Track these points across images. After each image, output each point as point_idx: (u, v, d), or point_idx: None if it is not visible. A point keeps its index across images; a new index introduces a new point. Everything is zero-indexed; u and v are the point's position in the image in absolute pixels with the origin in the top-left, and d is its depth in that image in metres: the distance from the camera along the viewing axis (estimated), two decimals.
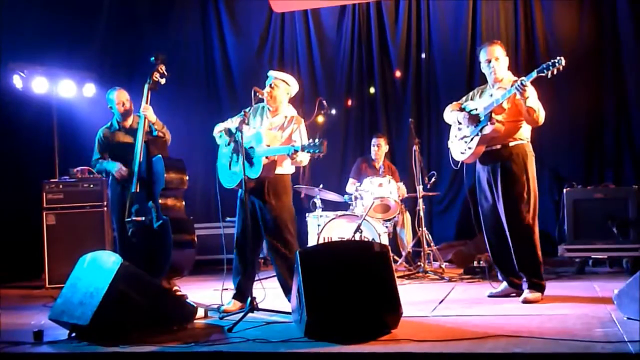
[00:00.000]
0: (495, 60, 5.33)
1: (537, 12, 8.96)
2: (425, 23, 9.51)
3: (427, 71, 9.56)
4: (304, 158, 5.35)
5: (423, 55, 9.53)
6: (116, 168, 6.35)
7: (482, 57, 5.43)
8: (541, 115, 5.18)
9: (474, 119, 5.38)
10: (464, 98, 5.70)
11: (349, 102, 9.86)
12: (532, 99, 5.11)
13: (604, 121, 8.80)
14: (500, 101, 5.15)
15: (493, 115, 5.21)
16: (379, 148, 8.39)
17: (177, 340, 4.33)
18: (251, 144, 5.30)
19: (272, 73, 5.65)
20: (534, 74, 4.95)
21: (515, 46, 9.02)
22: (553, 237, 8.01)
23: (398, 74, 9.65)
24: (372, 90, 9.81)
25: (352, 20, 9.83)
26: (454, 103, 5.72)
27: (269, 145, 5.25)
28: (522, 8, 9.05)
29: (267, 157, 5.24)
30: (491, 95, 5.29)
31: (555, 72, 4.87)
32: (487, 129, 5.23)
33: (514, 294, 5.49)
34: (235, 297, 5.53)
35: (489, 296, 5.60)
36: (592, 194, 7.21)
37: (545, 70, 4.89)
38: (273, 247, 5.49)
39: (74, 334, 4.57)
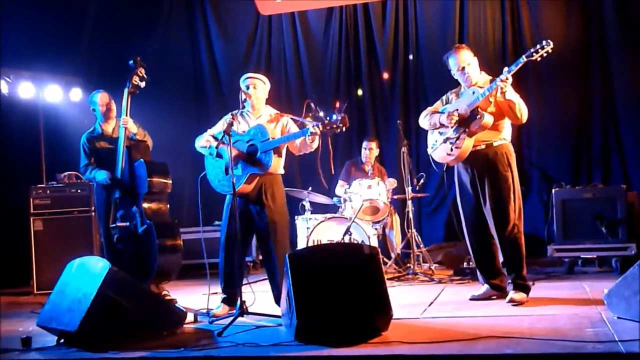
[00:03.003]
0: (467, 65, 5.28)
1: (524, 12, 8.96)
2: (412, 24, 9.50)
3: (415, 72, 9.55)
4: (317, 140, 5.31)
5: (410, 57, 9.52)
6: (104, 177, 6.29)
7: (453, 65, 5.35)
8: (523, 109, 5.13)
9: (460, 116, 5.27)
10: (438, 103, 5.65)
11: (337, 104, 9.83)
12: (511, 92, 5.03)
13: (592, 121, 8.81)
14: (486, 94, 5.05)
15: (479, 109, 5.14)
16: (370, 151, 8.36)
17: (167, 346, 4.32)
18: (251, 141, 5.28)
19: (247, 75, 5.64)
20: (522, 60, 4.90)
21: (503, 46, 9.03)
22: (542, 237, 8.04)
23: (386, 75, 9.64)
24: (359, 92, 9.80)
25: (340, 23, 9.81)
26: (429, 108, 5.68)
27: (274, 138, 5.25)
28: (509, 8, 9.05)
29: (277, 147, 5.24)
30: (473, 92, 5.20)
31: (544, 54, 4.84)
32: (476, 124, 5.15)
33: (494, 297, 5.45)
34: (224, 301, 5.50)
35: (471, 299, 5.52)
36: (581, 193, 7.23)
37: (533, 54, 4.85)
38: (267, 251, 5.48)
39: (62, 340, 4.54)
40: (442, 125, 5.45)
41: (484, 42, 9.01)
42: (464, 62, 5.28)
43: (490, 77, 5.31)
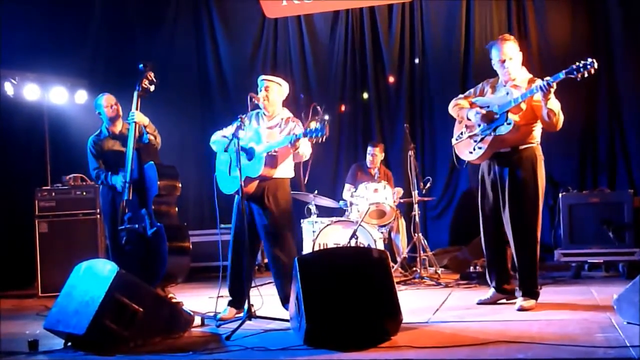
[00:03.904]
0: (509, 60, 5.08)
1: (529, 16, 8.94)
2: (418, 28, 9.48)
3: (421, 76, 9.53)
4: (306, 149, 5.32)
5: (417, 60, 9.49)
6: (121, 181, 6.25)
7: (495, 56, 5.15)
8: (561, 119, 4.95)
9: (488, 117, 5.13)
10: (472, 91, 5.46)
11: (343, 108, 9.83)
12: (554, 100, 4.86)
13: (597, 125, 8.78)
14: (519, 101, 4.90)
15: (510, 115, 4.99)
16: (375, 157, 8.32)
17: (175, 349, 4.30)
18: (251, 144, 5.27)
19: (263, 77, 5.64)
20: (562, 75, 4.66)
21: None
22: (548, 241, 8.01)
23: (391, 79, 9.62)
24: (365, 95, 9.79)
25: (346, 26, 9.80)
26: (462, 96, 5.48)
27: (268, 142, 5.22)
28: (515, 12, 9.04)
29: (267, 153, 5.21)
30: (507, 93, 5.02)
31: (586, 74, 4.58)
32: (503, 129, 4.99)
33: (502, 300, 5.42)
34: (230, 304, 5.48)
35: (478, 303, 5.48)
36: (588, 198, 7.21)
37: (575, 72, 4.60)
38: (271, 254, 5.47)
39: (69, 344, 4.52)
40: (469, 120, 5.32)
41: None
42: (506, 55, 5.09)
43: (530, 76, 5.16)
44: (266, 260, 7.60)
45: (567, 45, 8.76)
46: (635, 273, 4.50)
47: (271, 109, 5.57)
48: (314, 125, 4.96)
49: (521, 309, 5.08)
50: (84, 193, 7.72)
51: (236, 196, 5.44)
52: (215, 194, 5.46)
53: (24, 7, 8.49)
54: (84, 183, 7.79)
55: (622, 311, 4.35)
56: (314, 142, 5.01)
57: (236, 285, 5.44)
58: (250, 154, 5.30)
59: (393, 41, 9.58)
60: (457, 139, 5.51)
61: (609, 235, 6.91)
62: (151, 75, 6.14)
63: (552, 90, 4.74)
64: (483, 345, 3.96)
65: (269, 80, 5.57)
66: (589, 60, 4.56)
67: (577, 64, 4.60)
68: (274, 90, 5.56)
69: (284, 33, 10.09)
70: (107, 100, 6.50)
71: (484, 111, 5.15)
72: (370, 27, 9.71)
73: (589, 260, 7.13)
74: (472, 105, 5.35)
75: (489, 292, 5.51)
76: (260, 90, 5.54)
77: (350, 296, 4.27)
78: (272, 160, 5.29)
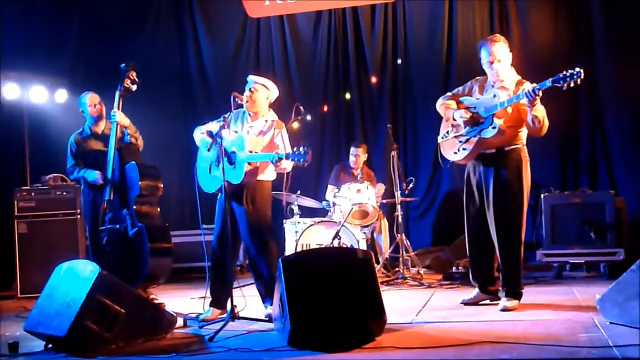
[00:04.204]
0: (497, 62, 5.07)
1: (512, 16, 8.96)
2: (401, 29, 9.49)
3: (403, 76, 9.53)
4: (287, 165, 5.32)
5: (399, 61, 9.51)
6: (95, 178, 6.22)
7: (484, 57, 5.13)
8: (546, 124, 4.95)
9: (472, 121, 5.14)
10: (460, 89, 5.45)
11: (325, 108, 9.81)
12: (539, 106, 4.86)
13: (578, 126, 8.82)
14: (505, 105, 4.91)
15: (495, 119, 5.00)
16: (357, 158, 8.31)
17: (157, 351, 4.27)
18: (233, 148, 5.23)
19: (251, 77, 5.62)
20: (548, 83, 4.65)
21: None
22: (529, 241, 8.03)
23: (374, 79, 9.62)
24: (348, 96, 9.78)
25: (328, 26, 9.78)
26: (450, 94, 5.46)
27: (251, 152, 5.19)
28: (497, 12, 9.06)
29: (249, 164, 5.18)
30: (494, 95, 5.03)
31: (572, 84, 4.56)
32: (488, 133, 5.02)
33: (486, 301, 5.42)
34: (212, 304, 5.44)
35: (462, 303, 5.49)
36: (570, 199, 7.24)
37: (561, 82, 4.58)
38: (248, 253, 5.48)
39: (50, 345, 4.47)
40: (454, 120, 5.30)
41: (473, 45, 8.96)
42: (495, 56, 5.07)
43: (519, 78, 5.15)
44: (247, 261, 7.58)
45: (549, 46, 8.80)
46: (617, 273, 4.51)
47: (254, 110, 5.53)
48: (296, 150, 4.96)
49: (505, 309, 5.08)
50: (64, 193, 7.65)
51: (219, 195, 5.41)
52: (196, 190, 5.41)
53: (3, 6, 8.38)
54: (64, 183, 7.71)
55: (605, 311, 4.37)
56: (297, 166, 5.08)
57: (218, 285, 5.41)
58: (231, 159, 5.25)
59: (376, 41, 9.58)
60: (442, 138, 5.51)
61: (591, 236, 6.94)
62: (133, 74, 6.10)
63: (538, 97, 4.76)
64: (468, 345, 3.96)
65: (256, 82, 5.56)
66: (576, 69, 4.54)
67: (564, 72, 4.59)
68: (259, 92, 5.53)
69: (267, 33, 10.06)
70: (90, 99, 6.43)
71: (467, 115, 5.15)
72: (352, 27, 9.70)
73: (570, 261, 7.15)
74: (459, 105, 5.33)
75: (473, 292, 5.51)
76: (247, 90, 5.51)
77: (335, 297, 4.25)
78: (253, 170, 5.30)
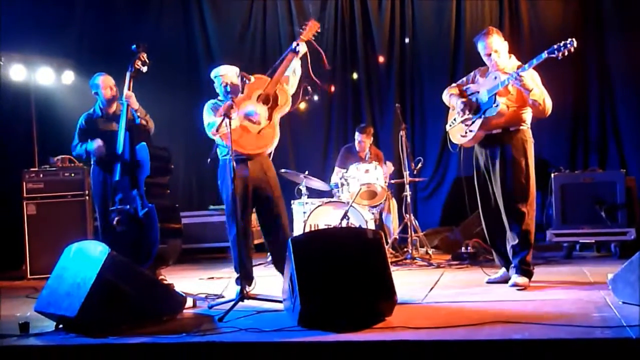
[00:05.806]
0: (494, 53, 5.23)
1: None
2: (408, 7, 9.42)
3: (411, 56, 9.49)
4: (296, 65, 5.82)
5: (407, 40, 9.45)
6: (95, 145, 6.17)
7: (481, 49, 5.30)
8: (547, 105, 5.12)
9: (471, 105, 5.32)
10: (464, 79, 5.60)
11: (332, 89, 9.75)
12: (536, 90, 5.03)
13: (588, 106, 8.79)
14: (506, 83, 5.07)
15: (497, 97, 5.13)
16: (363, 143, 8.19)
17: (167, 331, 4.24)
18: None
19: (214, 72, 5.81)
20: (544, 55, 4.84)
21: (500, 25, 8.91)
22: (539, 222, 7.99)
23: (381, 59, 9.55)
24: (355, 76, 9.72)
25: (335, 6, 9.71)
26: (454, 85, 5.63)
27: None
28: None
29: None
30: (495, 77, 5.20)
31: (566, 53, 4.78)
32: (492, 112, 5.15)
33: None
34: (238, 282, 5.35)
35: (488, 282, 5.53)
36: (580, 178, 7.20)
37: (555, 52, 4.79)
38: (270, 223, 5.60)
39: (61, 326, 4.47)
40: (456, 107, 5.46)
41: (481, 23, 8.92)
42: (491, 49, 5.23)
43: (519, 64, 5.25)
44: (256, 242, 7.57)
45: (558, 25, 8.72)
46: (628, 253, 4.49)
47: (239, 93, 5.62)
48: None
49: (515, 285, 5.12)
50: (73, 174, 7.67)
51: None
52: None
53: None
54: (72, 164, 7.72)
55: (618, 291, 4.34)
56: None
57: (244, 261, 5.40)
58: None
59: (383, 21, 9.52)
60: (450, 125, 5.63)
61: (601, 215, 6.91)
62: (144, 56, 6.06)
63: (524, 79, 4.94)
64: (479, 325, 3.93)
65: (221, 75, 5.71)
66: (569, 40, 4.76)
67: (558, 44, 4.79)
68: (231, 77, 5.64)
69: (273, 12, 9.98)
70: (104, 82, 6.37)
71: (465, 99, 5.37)
72: (360, 7, 9.64)
73: (580, 241, 7.14)
74: (462, 93, 5.49)
75: (499, 271, 5.56)
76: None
77: (345, 277, 4.23)
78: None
